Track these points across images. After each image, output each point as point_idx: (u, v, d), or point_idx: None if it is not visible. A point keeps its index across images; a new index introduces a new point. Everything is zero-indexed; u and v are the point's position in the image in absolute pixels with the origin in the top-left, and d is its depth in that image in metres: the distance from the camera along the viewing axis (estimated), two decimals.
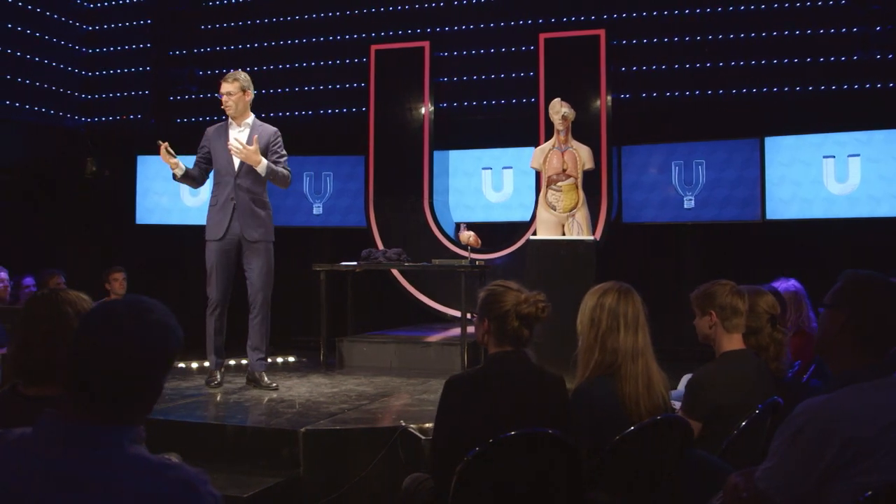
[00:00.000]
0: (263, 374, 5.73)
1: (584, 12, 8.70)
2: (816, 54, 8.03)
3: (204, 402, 5.22)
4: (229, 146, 5.48)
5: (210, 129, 5.86)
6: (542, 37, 8.45)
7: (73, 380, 1.74)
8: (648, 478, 3.08)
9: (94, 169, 9.60)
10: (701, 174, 8.23)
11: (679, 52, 8.43)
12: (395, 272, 8.66)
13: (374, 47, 9.02)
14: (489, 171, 9.12)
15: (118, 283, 7.55)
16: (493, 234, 8.48)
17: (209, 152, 5.76)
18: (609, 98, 8.17)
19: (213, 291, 5.73)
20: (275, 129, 5.80)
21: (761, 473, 2.42)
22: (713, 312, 3.56)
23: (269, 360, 6.60)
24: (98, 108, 10.21)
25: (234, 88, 5.61)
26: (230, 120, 5.73)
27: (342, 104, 9.61)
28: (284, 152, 5.81)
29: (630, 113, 8.49)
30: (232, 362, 6.97)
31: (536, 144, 7.77)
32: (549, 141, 5.84)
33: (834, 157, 7.75)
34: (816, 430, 2.28)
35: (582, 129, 8.15)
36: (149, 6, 10.05)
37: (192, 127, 10.01)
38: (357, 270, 6.99)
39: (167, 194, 9.71)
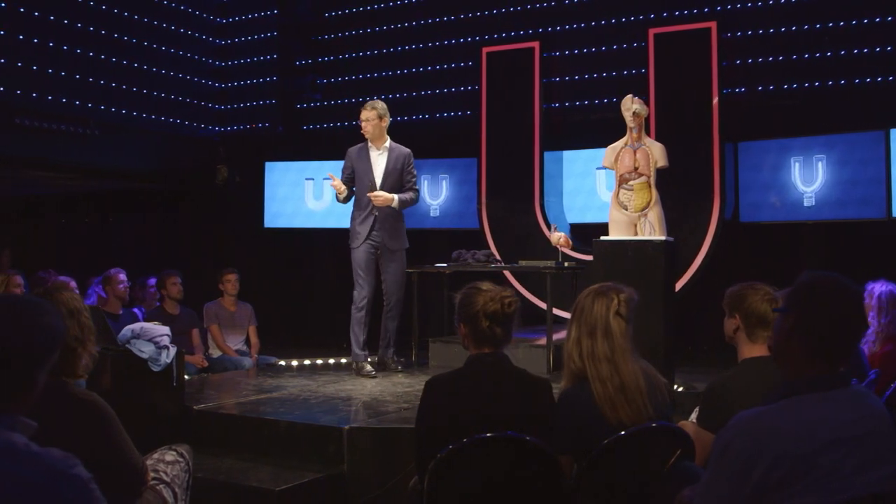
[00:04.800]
0: (391, 359, 6.63)
1: (694, 5, 8.38)
2: None
3: (273, 399, 5.41)
4: (371, 196, 6.27)
5: (352, 150, 6.54)
6: (652, 32, 8.20)
7: None
8: (636, 489, 2.97)
9: (225, 176, 10.14)
10: (822, 170, 7.75)
11: (796, 41, 7.97)
12: (507, 274, 8.67)
13: (485, 49, 9.05)
14: (603, 170, 8.93)
15: (230, 284, 7.91)
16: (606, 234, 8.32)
17: (353, 172, 6.46)
18: (722, 93, 7.85)
19: (358, 291, 6.40)
20: (408, 151, 6.58)
21: (699, 490, 2.29)
22: (738, 316, 3.37)
23: (368, 359, 6.89)
24: (229, 118, 10.79)
25: (372, 116, 6.38)
26: (369, 142, 6.47)
27: (458, 107, 9.71)
28: (415, 172, 6.64)
29: (745, 107, 8.11)
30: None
31: None
32: (622, 139, 5.68)
33: None
34: (744, 445, 2.12)
35: (694, 126, 7.92)
36: (275, 19, 10.52)
37: (318, 133, 10.42)
38: (447, 272, 7.05)
39: (292, 199, 10.12)
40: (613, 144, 5.69)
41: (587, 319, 3.04)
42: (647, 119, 8.07)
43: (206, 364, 7.28)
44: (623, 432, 2.95)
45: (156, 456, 3.26)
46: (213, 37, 10.72)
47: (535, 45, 8.84)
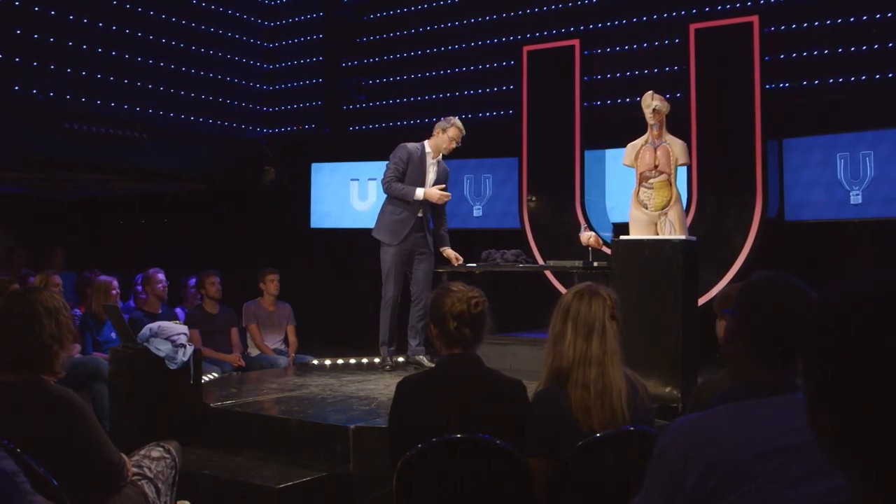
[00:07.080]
0: (424, 357, 6.66)
1: None
2: None
3: (290, 398, 5.46)
4: (443, 195, 6.66)
5: (412, 149, 6.75)
6: (692, 27, 8.05)
7: None
8: (609, 494, 2.91)
9: (272, 177, 10.28)
10: (869, 167, 7.49)
11: (841, 34, 7.71)
12: (548, 273, 8.62)
13: (525, 48, 9.00)
14: None
15: (273, 285, 8.01)
16: None
17: (406, 167, 6.66)
18: (764, 88, 7.65)
19: (391, 289, 6.66)
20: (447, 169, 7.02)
21: (640, 496, 2.23)
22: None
23: (401, 359, 6.92)
24: (276, 120, 10.94)
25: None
26: (429, 149, 6.75)
27: (499, 106, 9.68)
28: None
29: (789, 103, 7.89)
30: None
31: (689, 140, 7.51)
32: (643, 136, 5.57)
33: None
34: (678, 452, 2.05)
35: (736, 122, 7.73)
36: (320, 21, 10.63)
37: (363, 134, 10.49)
38: (477, 272, 7.02)
39: (339, 200, 10.21)
40: (633, 142, 5.59)
41: (584, 320, 2.97)
42: (689, 116, 8.00)
43: (243, 363, 7.39)
44: (598, 435, 2.90)
45: (142, 452, 3.32)
46: (260, 40, 10.89)
47: (576, 43, 8.76)
